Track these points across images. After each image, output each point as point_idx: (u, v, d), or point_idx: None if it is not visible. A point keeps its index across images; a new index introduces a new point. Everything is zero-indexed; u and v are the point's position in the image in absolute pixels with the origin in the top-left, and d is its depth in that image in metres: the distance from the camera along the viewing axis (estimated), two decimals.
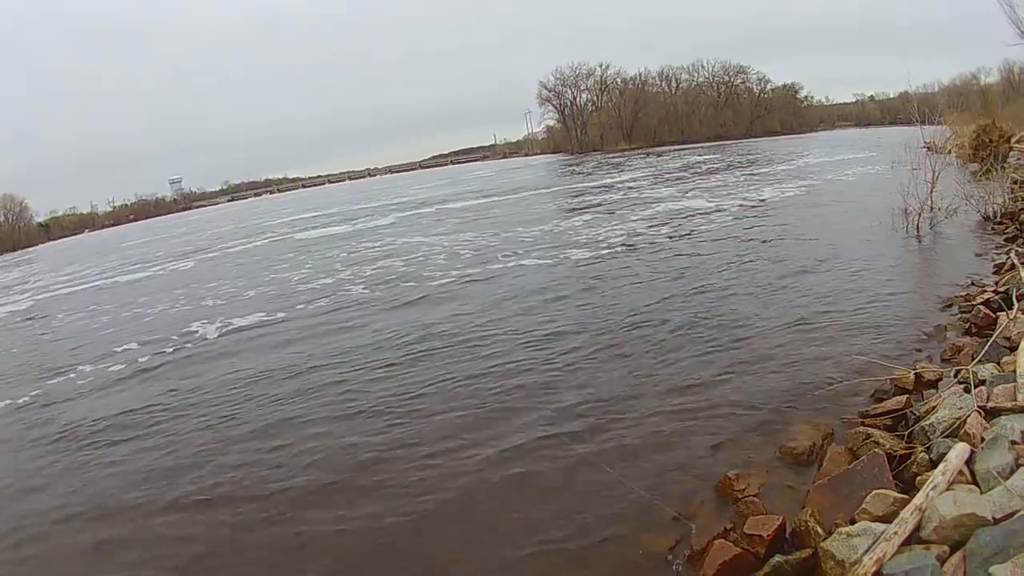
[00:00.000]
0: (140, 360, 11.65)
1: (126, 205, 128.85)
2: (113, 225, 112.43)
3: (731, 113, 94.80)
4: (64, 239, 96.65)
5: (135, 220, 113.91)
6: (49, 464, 7.58)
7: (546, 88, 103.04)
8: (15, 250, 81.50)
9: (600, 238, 17.98)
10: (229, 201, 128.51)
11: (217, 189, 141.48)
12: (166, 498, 6.24)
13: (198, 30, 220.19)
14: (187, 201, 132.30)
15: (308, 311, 13.62)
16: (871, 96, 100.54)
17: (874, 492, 4.17)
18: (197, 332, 13.23)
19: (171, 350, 12.05)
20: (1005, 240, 12.40)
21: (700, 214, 20.42)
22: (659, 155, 64.16)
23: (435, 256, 18.49)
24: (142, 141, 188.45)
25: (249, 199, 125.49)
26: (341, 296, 14.63)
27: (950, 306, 8.77)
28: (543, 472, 5.72)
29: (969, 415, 4.81)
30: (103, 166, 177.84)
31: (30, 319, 19.66)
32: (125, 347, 12.88)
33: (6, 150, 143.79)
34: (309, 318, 12.97)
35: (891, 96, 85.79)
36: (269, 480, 6.27)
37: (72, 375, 11.50)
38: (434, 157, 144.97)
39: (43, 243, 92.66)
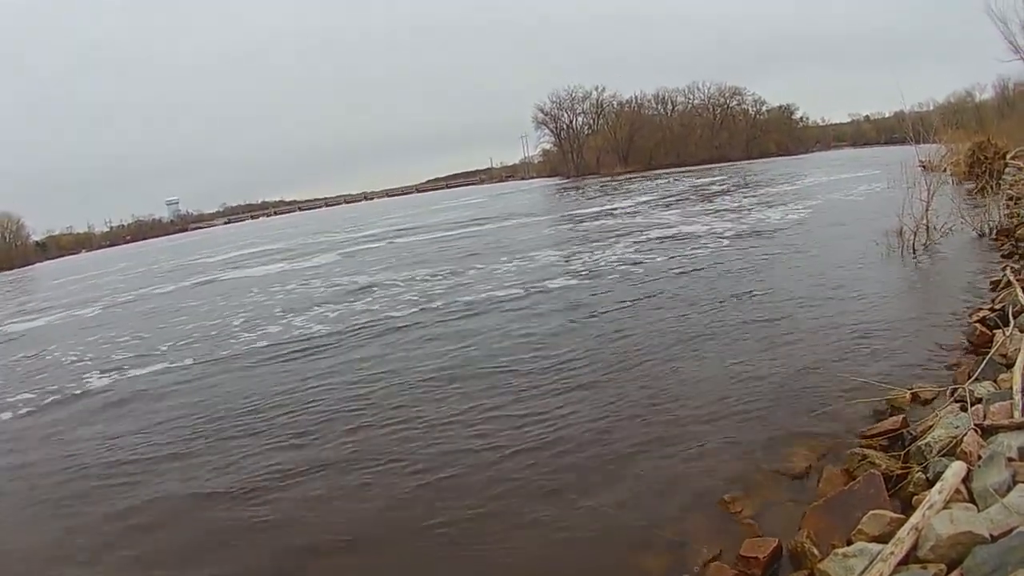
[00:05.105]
0: None
1: (123, 226, 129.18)
2: (110, 245, 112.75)
3: (727, 135, 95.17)
4: (62, 258, 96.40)
5: (132, 241, 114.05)
6: None
7: (542, 111, 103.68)
8: (11, 269, 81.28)
9: (597, 265, 17.82)
10: (225, 223, 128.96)
11: (214, 211, 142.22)
12: None
13: (197, 53, 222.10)
14: (184, 223, 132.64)
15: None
16: (866, 116, 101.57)
17: (870, 512, 4.11)
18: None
19: None
20: (1001, 257, 12.39)
21: (697, 238, 20.43)
22: (656, 178, 64.06)
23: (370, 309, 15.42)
24: (141, 161, 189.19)
25: (245, 221, 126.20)
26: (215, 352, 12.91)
27: (946, 325, 8.73)
28: (534, 496, 5.63)
29: (966, 433, 4.76)
30: (102, 186, 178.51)
31: None
32: None
33: (4, 168, 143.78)
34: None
35: (886, 115, 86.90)
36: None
37: None
38: (430, 181, 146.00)
39: (40, 262, 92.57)
